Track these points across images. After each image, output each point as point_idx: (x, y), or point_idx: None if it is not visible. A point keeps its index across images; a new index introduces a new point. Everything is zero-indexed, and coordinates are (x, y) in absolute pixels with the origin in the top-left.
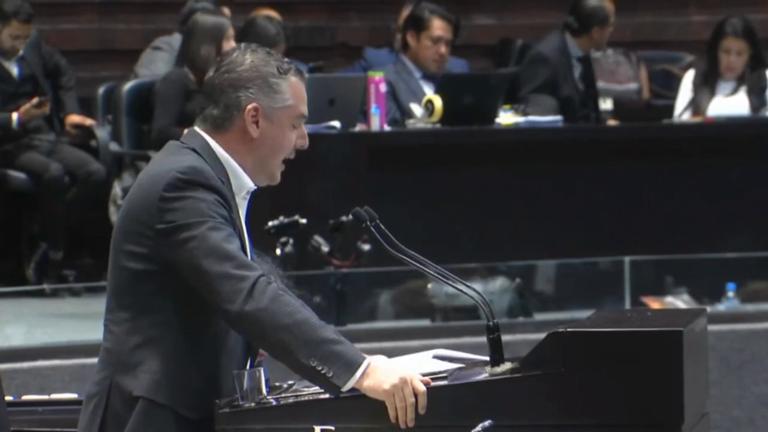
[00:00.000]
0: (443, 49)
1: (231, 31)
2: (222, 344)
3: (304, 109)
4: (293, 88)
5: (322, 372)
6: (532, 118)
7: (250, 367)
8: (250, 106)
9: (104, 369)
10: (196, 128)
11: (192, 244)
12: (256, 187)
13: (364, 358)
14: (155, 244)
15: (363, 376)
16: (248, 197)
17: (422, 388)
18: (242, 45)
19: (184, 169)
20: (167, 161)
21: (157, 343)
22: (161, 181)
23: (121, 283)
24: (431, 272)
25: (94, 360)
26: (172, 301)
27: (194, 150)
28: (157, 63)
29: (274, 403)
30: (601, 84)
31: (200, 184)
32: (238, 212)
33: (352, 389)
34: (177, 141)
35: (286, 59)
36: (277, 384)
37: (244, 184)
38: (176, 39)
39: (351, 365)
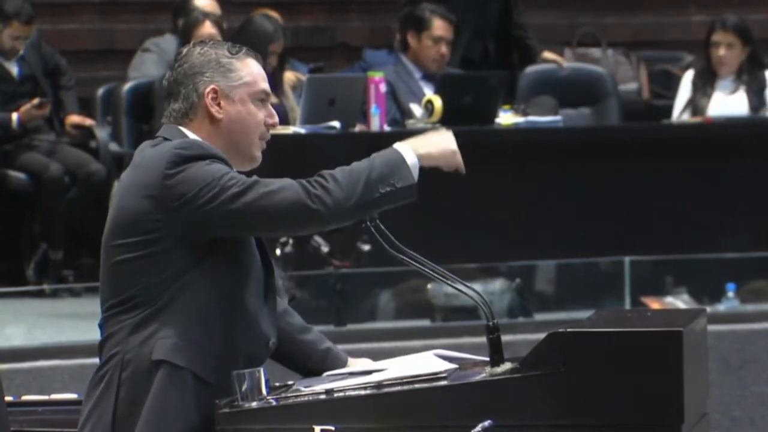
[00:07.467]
0: (444, 49)
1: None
2: (239, 308)
3: (264, 85)
4: (247, 66)
5: (395, 188)
6: (532, 118)
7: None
8: (208, 89)
9: (112, 349)
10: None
11: (220, 199)
12: None
13: (396, 151)
14: (168, 225)
15: (417, 157)
16: None
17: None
18: (192, 42)
19: (182, 144)
20: (157, 149)
21: (171, 311)
22: (160, 163)
23: (123, 277)
24: (431, 272)
25: (94, 360)
26: (182, 275)
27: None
28: (146, 65)
29: (274, 403)
30: None
31: (200, 157)
32: None
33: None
34: (151, 139)
35: (238, 45)
36: (277, 384)
37: None
38: (165, 40)
39: (400, 163)
